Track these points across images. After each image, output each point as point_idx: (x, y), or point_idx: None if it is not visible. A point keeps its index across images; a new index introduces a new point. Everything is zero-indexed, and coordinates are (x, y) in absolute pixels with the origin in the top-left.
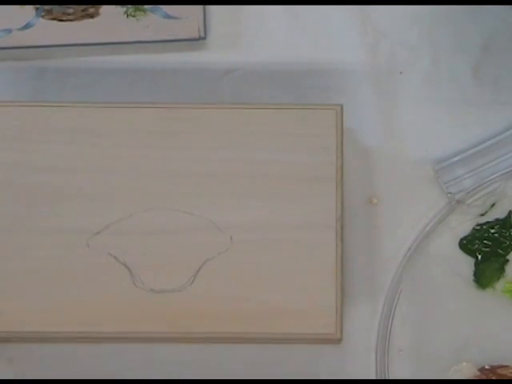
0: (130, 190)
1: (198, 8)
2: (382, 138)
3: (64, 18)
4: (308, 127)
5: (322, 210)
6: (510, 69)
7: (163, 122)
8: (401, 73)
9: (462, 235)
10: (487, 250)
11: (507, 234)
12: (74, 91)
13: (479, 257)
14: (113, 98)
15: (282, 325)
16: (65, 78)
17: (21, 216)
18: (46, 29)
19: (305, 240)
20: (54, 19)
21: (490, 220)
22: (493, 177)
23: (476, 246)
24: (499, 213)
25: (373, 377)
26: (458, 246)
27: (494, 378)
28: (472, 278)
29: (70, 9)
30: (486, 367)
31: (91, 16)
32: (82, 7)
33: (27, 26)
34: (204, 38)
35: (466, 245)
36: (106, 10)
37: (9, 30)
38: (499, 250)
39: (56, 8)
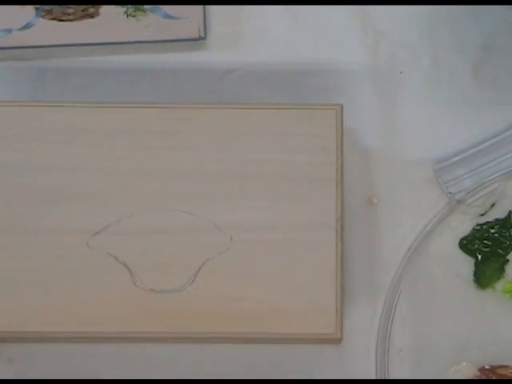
0: (130, 190)
1: (198, 8)
2: (382, 138)
3: (64, 18)
4: (308, 127)
5: (321, 210)
6: (510, 69)
7: (163, 122)
8: (401, 73)
9: (462, 235)
10: (487, 250)
11: (507, 234)
12: (74, 91)
13: (479, 257)
14: (113, 98)
15: (281, 325)
16: (65, 78)
17: (21, 216)
18: (46, 29)
19: (305, 240)
20: (54, 19)
21: (490, 220)
22: (493, 177)
23: (476, 246)
24: (499, 213)
25: (373, 377)
26: (458, 246)
27: (493, 377)
28: (472, 278)
29: (70, 9)
30: (486, 367)
31: (91, 16)
32: (82, 7)
33: (27, 26)
34: (204, 38)
35: (466, 245)
36: (106, 10)
37: (9, 30)
38: (499, 250)
39: (56, 8)
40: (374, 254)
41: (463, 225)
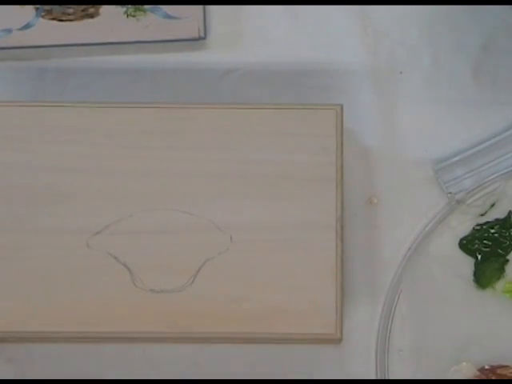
0: (130, 190)
1: (198, 8)
2: (382, 138)
3: (64, 18)
4: (308, 127)
5: (321, 210)
6: (510, 69)
7: (163, 122)
8: (401, 73)
9: (461, 235)
10: (487, 250)
11: (507, 234)
12: (74, 91)
13: (479, 257)
14: (113, 98)
15: (281, 325)
16: (65, 78)
17: (21, 216)
18: (46, 29)
19: (305, 240)
20: (53, 19)
21: (489, 220)
22: (493, 177)
23: (476, 246)
24: (499, 213)
25: (373, 377)
26: (457, 246)
27: (493, 378)
28: (472, 278)
29: (70, 9)
30: (486, 367)
31: (91, 16)
32: (82, 7)
33: (27, 26)
34: (204, 38)
35: (466, 245)
36: (105, 9)
37: (9, 30)
38: (499, 250)
39: (56, 8)
40: (374, 254)
41: (463, 225)
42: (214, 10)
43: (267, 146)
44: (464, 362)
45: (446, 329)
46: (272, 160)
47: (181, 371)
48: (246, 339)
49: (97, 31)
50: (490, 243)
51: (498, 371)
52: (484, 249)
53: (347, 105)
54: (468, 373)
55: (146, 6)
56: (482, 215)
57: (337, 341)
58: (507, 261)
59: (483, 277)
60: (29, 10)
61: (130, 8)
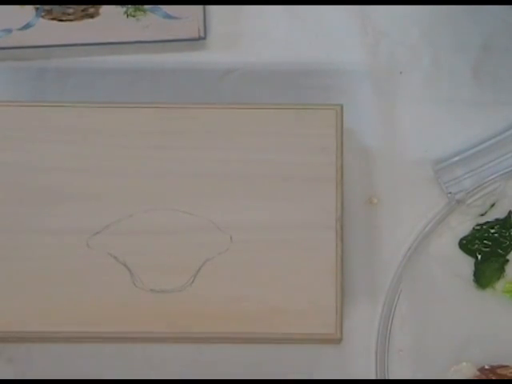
0: (130, 190)
1: (198, 8)
2: (382, 138)
3: (64, 18)
4: (308, 127)
5: (322, 210)
6: (510, 69)
7: (163, 122)
8: (401, 73)
9: (461, 235)
10: (487, 250)
11: (507, 234)
12: (74, 91)
13: (479, 257)
14: (113, 98)
15: (281, 325)
16: (65, 78)
17: (21, 216)
18: (46, 29)
19: (305, 240)
20: (54, 19)
21: (489, 220)
22: (493, 177)
23: (476, 246)
24: (499, 213)
25: (373, 377)
26: (457, 246)
27: (493, 378)
28: (472, 278)
29: (70, 9)
30: (486, 367)
31: (91, 16)
32: (82, 7)
33: (27, 26)
34: (204, 38)
35: (466, 245)
36: (105, 9)
37: (9, 30)
38: (499, 250)
39: (56, 8)
40: (374, 254)
41: (463, 225)
42: (214, 9)
43: (267, 146)
44: (464, 362)
45: (445, 329)
46: (272, 160)
47: (181, 371)
48: (246, 339)
49: (97, 31)
50: (489, 243)
51: (498, 371)
52: (484, 249)
53: (347, 105)
54: (468, 373)
55: (146, 6)
56: (482, 215)
57: (337, 341)
58: (507, 261)
59: (483, 277)
60: (29, 10)
61: (130, 8)
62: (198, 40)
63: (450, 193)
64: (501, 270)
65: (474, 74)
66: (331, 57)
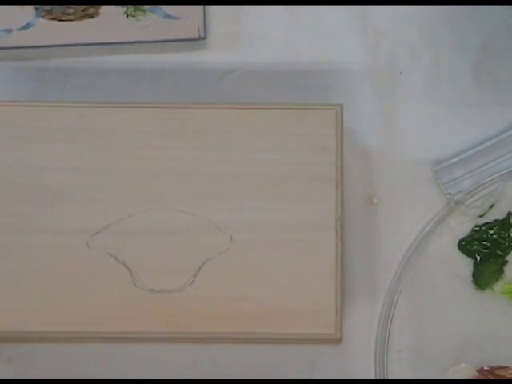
0: (130, 190)
1: (198, 8)
2: (382, 138)
3: (64, 18)
4: (308, 127)
5: (321, 210)
6: (510, 69)
7: (163, 122)
8: (401, 73)
9: (460, 236)
10: (486, 251)
11: (506, 235)
12: (74, 91)
13: (478, 258)
14: (113, 97)
15: (281, 325)
16: (65, 78)
17: (21, 216)
18: (46, 29)
19: (305, 240)
20: (54, 19)
21: (488, 221)
22: (492, 178)
23: (475, 247)
24: (498, 214)
25: (372, 377)
26: (456, 247)
27: (492, 379)
28: (471, 279)
29: (70, 9)
30: (485, 368)
31: (91, 16)
32: (82, 7)
33: (27, 26)
34: (204, 38)
35: (465, 246)
36: (105, 9)
37: (9, 30)
38: (498, 251)
39: (56, 8)
40: (374, 254)
41: (462, 226)
42: (214, 9)
43: (267, 146)
44: (463, 363)
45: (444, 329)
46: (272, 160)
47: (181, 371)
48: (246, 339)
49: (97, 31)
50: (488, 244)
51: (497, 372)
52: (483, 250)
53: (347, 105)
54: (467, 374)
55: (146, 6)
56: (481, 216)
57: (337, 341)
58: (506, 262)
59: (482, 278)
60: (29, 10)
61: (130, 8)
62: (198, 40)
63: (450, 194)
64: (500, 271)
65: (474, 73)
66: (331, 57)
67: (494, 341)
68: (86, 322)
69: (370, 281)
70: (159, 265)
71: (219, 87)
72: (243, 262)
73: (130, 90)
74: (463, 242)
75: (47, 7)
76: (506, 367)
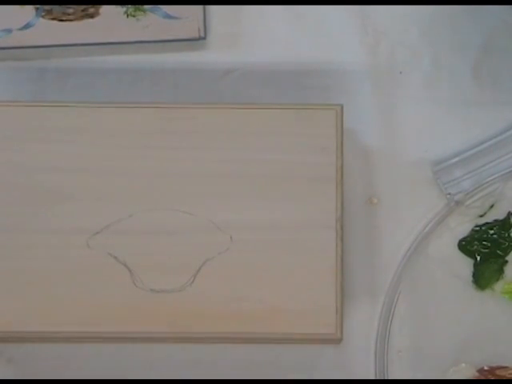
0: (130, 190)
1: (198, 8)
2: (382, 138)
3: (64, 18)
4: (308, 127)
5: (321, 210)
6: (510, 69)
7: (163, 122)
8: (401, 73)
9: (460, 236)
10: (486, 251)
11: (506, 235)
12: (74, 91)
13: (478, 258)
14: (113, 97)
15: (282, 325)
16: (65, 78)
17: (21, 216)
18: (46, 29)
19: (305, 240)
20: (54, 19)
21: (489, 221)
22: (492, 178)
23: (475, 247)
24: (498, 214)
25: (372, 377)
26: (457, 247)
27: (492, 379)
28: (471, 279)
29: (70, 9)
30: (485, 368)
31: (91, 16)
32: (82, 7)
33: (27, 26)
34: (204, 38)
35: (465, 246)
36: (105, 9)
37: (9, 30)
38: (498, 251)
39: (56, 8)
40: (374, 254)
41: (462, 226)
42: (214, 9)
43: (267, 146)
44: (463, 363)
45: (444, 329)
46: (272, 160)
47: (181, 371)
48: (246, 339)
49: (97, 31)
50: (489, 244)
51: (497, 372)
52: (483, 250)
53: (347, 105)
54: (467, 374)
55: (146, 6)
56: (481, 216)
57: (337, 341)
58: (506, 262)
59: (482, 278)
60: (29, 10)
61: (130, 8)
62: (198, 40)
63: (450, 194)
64: (500, 271)
65: (474, 73)
66: (331, 57)
67: (494, 341)
68: (86, 322)
69: (370, 281)
70: (159, 265)
71: (219, 87)
72: (243, 262)
73: (129, 90)
74: (463, 242)
75: (47, 7)
76: (506, 367)
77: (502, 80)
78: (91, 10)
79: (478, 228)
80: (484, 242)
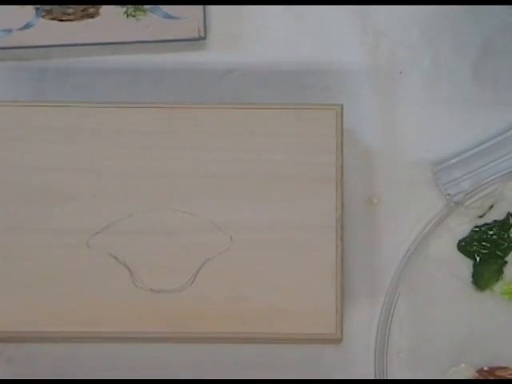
0: (130, 190)
1: (198, 8)
2: (382, 138)
3: (64, 18)
4: (308, 127)
5: (321, 210)
6: (510, 69)
7: (163, 122)
8: (401, 73)
9: (460, 237)
10: (486, 251)
11: (505, 235)
12: (74, 91)
13: (477, 258)
14: (113, 97)
15: (281, 325)
16: (65, 78)
17: (20, 216)
18: (46, 29)
19: (305, 240)
20: (54, 19)
21: (488, 222)
22: (491, 178)
23: (474, 247)
24: (498, 214)
25: (372, 377)
26: (456, 248)
27: (492, 379)
28: (470, 279)
29: (70, 9)
30: (485, 369)
31: (91, 16)
32: (82, 7)
33: (27, 26)
34: (204, 38)
35: (465, 246)
36: (105, 9)
37: (9, 30)
38: (497, 252)
39: (56, 8)
40: (374, 254)
41: (462, 226)
42: (214, 9)
43: (267, 146)
44: (463, 364)
45: (444, 330)
46: (272, 160)
47: (181, 371)
48: (246, 339)
49: (97, 31)
50: (488, 245)
51: (497, 373)
52: (482, 250)
53: (347, 105)
54: (467, 374)
55: (146, 6)
56: (481, 217)
57: (337, 341)
58: (505, 262)
59: (481, 278)
60: (29, 10)
61: (130, 8)
62: (198, 40)
63: (449, 194)
64: (499, 272)
65: (474, 73)
66: (331, 57)
67: (494, 341)
68: (86, 322)
69: (369, 281)
70: (159, 265)
71: (219, 87)
72: (243, 262)
73: (130, 90)
74: (463, 243)
75: (47, 7)
76: (505, 368)
77: (501, 80)
78: (91, 10)
79: (477, 229)
80: (483, 243)
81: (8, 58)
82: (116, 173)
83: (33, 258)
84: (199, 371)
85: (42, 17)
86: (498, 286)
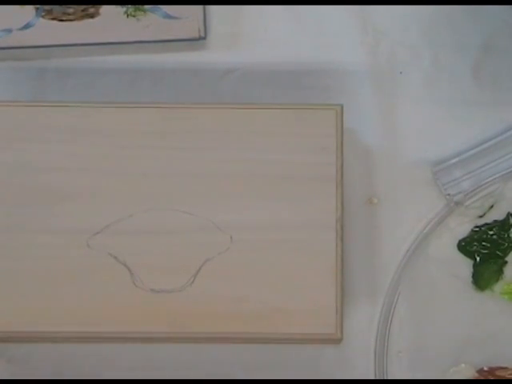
0: (130, 190)
1: (198, 8)
2: (382, 138)
3: (64, 18)
4: (308, 127)
5: (321, 210)
6: (510, 69)
7: (163, 122)
8: (401, 73)
9: (460, 237)
10: (486, 251)
11: (506, 235)
12: (74, 91)
13: (478, 259)
14: (113, 97)
15: (282, 325)
16: (65, 78)
17: (21, 216)
18: (46, 29)
19: (305, 240)
20: (54, 19)
21: (488, 222)
22: (491, 178)
23: (474, 247)
24: (498, 214)
25: (372, 377)
26: (456, 248)
27: (492, 379)
28: (470, 279)
29: (70, 9)
30: (485, 369)
31: (91, 16)
32: (82, 7)
33: (27, 26)
34: (204, 38)
35: (465, 246)
36: (105, 9)
37: (9, 30)
38: (498, 252)
39: (56, 8)
40: (374, 254)
41: (462, 226)
42: (214, 9)
43: (267, 146)
44: (463, 364)
45: (444, 330)
46: (272, 160)
47: (181, 371)
48: (246, 339)
49: (97, 31)
50: (488, 245)
51: (497, 373)
52: (482, 250)
53: (347, 105)
54: (467, 374)
55: (146, 6)
56: (481, 217)
57: (337, 341)
58: (506, 262)
59: (482, 279)
60: (29, 10)
61: (130, 8)
62: (198, 40)
63: (449, 194)
64: (499, 272)
65: (474, 73)
66: (331, 57)
67: (494, 341)
68: (86, 322)
69: (369, 281)
70: (159, 265)
71: (219, 87)
72: (243, 262)
73: (129, 90)
74: (463, 243)
75: (47, 7)
76: (505, 368)
77: (501, 80)
78: (91, 10)
79: (477, 229)
80: (483, 243)
81: (8, 58)
82: (116, 173)
83: (33, 257)
84: (199, 371)
85: (42, 17)
86: (498, 286)
